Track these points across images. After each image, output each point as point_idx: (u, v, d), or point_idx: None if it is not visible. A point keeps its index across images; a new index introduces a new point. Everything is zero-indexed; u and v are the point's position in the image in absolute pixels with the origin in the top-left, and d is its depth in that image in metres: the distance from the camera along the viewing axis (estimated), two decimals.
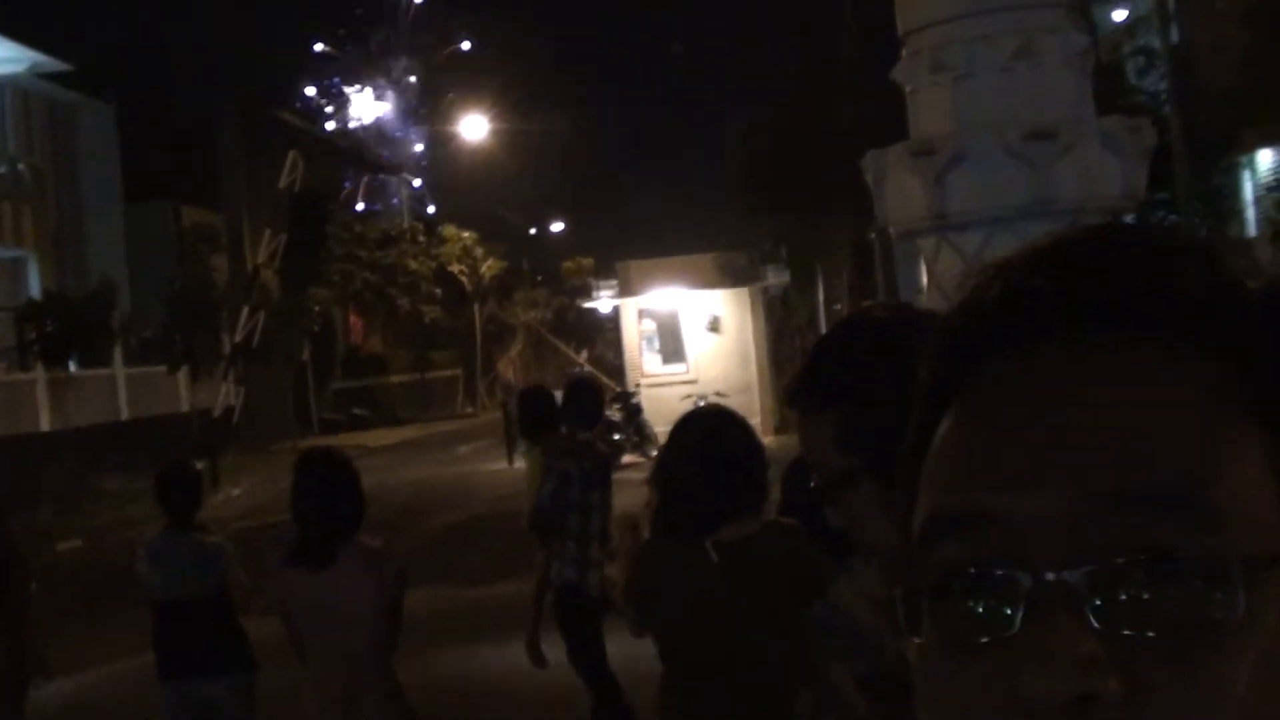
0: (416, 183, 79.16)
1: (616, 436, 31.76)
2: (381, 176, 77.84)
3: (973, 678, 0.91)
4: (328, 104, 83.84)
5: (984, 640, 0.90)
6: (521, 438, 9.26)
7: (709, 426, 5.21)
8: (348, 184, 70.34)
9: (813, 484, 2.22)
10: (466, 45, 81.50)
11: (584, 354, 59.03)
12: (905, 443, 1.03)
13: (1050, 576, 0.88)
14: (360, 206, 72.13)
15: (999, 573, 0.91)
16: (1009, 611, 0.89)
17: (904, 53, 4.89)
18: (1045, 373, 0.95)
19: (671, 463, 5.07)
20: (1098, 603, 0.87)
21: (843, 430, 2.10)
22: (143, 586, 8.27)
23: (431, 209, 78.27)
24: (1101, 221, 1.08)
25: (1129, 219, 5.64)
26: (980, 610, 0.91)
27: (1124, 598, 0.87)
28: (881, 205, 4.82)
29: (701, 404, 29.13)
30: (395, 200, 74.05)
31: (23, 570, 8.07)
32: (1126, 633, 0.87)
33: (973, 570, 0.93)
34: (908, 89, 4.87)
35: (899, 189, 4.73)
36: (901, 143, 4.71)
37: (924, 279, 5.00)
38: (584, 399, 10.07)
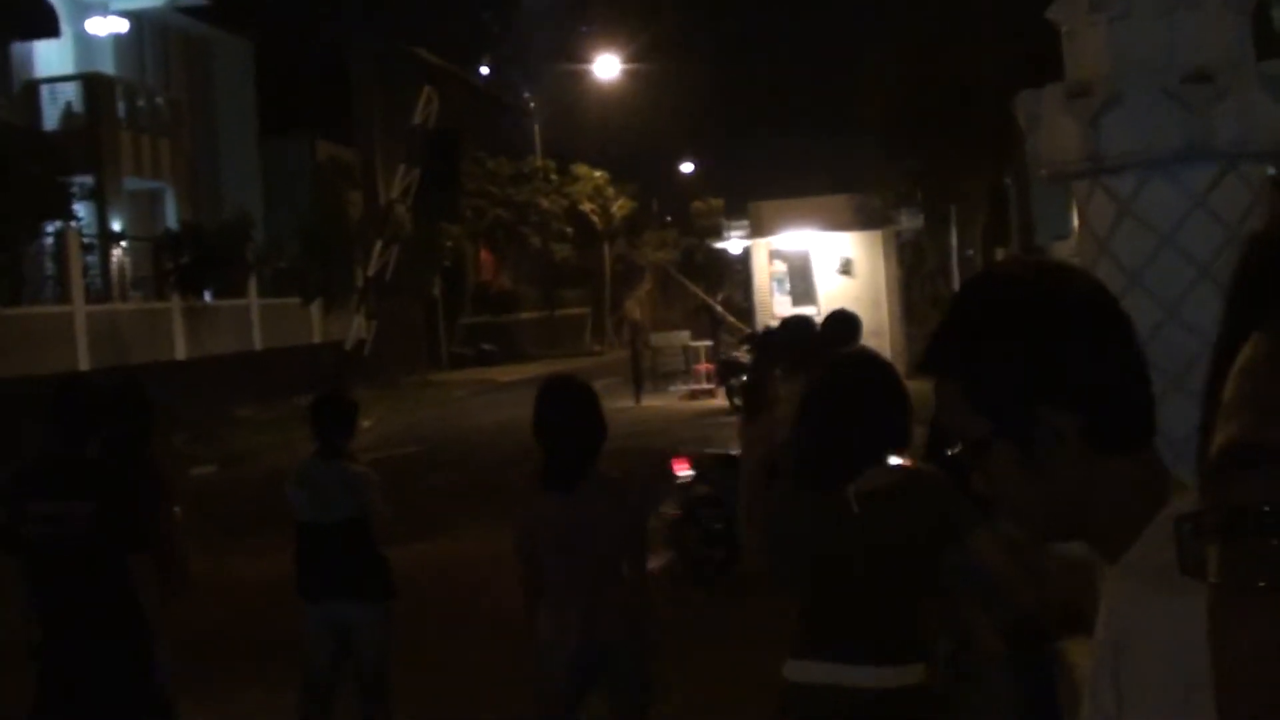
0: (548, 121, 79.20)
1: (745, 378, 31.72)
2: (516, 114, 78.06)
3: (1261, 627, 0.84)
4: (467, 41, 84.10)
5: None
6: (783, 369, 8.98)
7: (854, 371, 5.17)
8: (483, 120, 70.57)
9: (950, 451, 2.22)
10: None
11: (720, 295, 58.96)
12: (1212, 356, 0.97)
13: None
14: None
15: None
16: None
17: None
18: None
19: (814, 407, 5.02)
20: None
21: (972, 395, 2.08)
22: (290, 507, 8.41)
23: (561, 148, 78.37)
24: None
25: None
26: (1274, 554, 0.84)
27: None
28: (1034, 146, 4.74)
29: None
30: (528, 138, 74.14)
31: (170, 494, 8.20)
32: None
33: (1267, 509, 0.87)
34: (1063, 28, 4.79)
35: (1053, 130, 4.66)
36: (1057, 83, 4.63)
37: (1075, 222, 4.92)
38: (844, 330, 9.90)
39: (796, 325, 10.07)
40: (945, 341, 2.15)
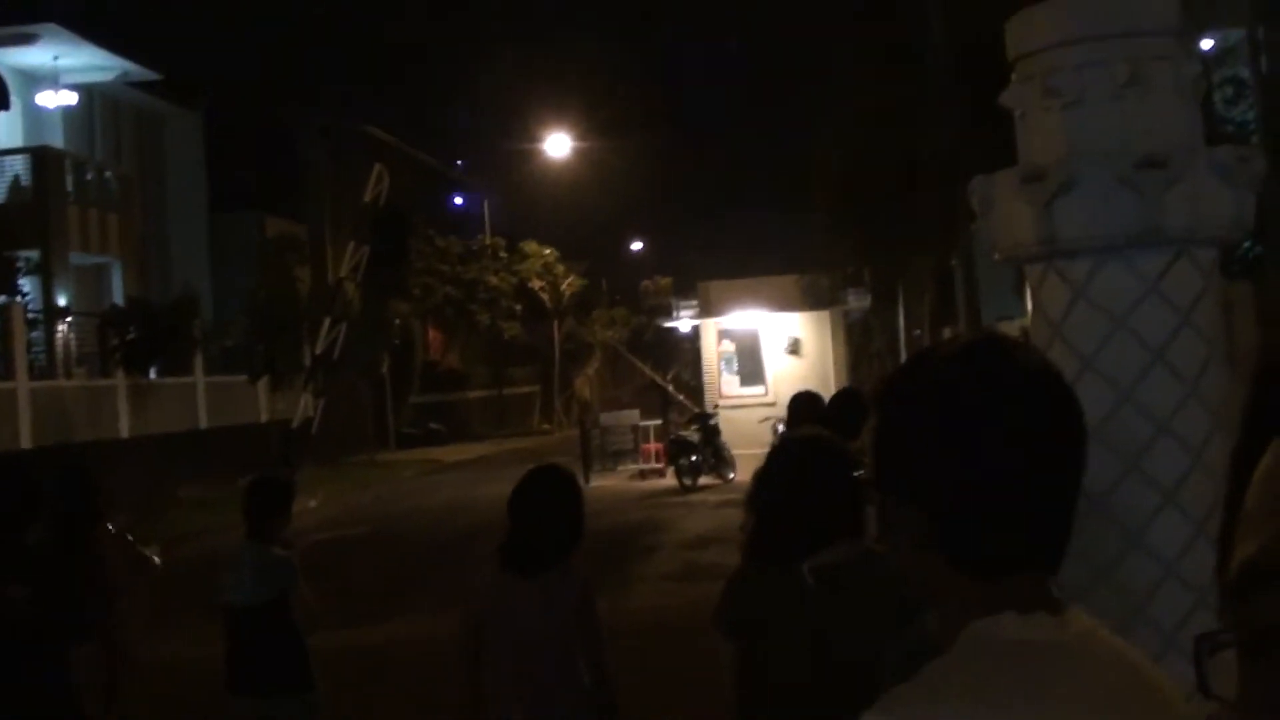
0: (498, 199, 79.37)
1: (694, 458, 31.71)
2: (464, 192, 78.18)
3: None
4: (413, 119, 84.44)
5: None
6: None
7: (808, 451, 5.16)
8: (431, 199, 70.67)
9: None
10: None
11: (669, 374, 59.01)
12: (1230, 463, 0.95)
13: None
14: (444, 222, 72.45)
15: None
16: None
17: (1014, 77, 4.85)
18: None
19: (768, 487, 5.02)
20: None
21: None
22: (216, 590, 8.37)
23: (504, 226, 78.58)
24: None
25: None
26: None
27: None
28: (988, 230, 4.77)
29: (780, 427, 29.05)
30: (477, 215, 74.24)
31: (116, 582, 8.12)
32: None
33: None
34: (1017, 114, 4.83)
35: (1007, 214, 4.69)
36: (1011, 168, 4.67)
37: (1027, 303, 4.94)
38: (850, 408, 9.93)
39: (805, 402, 10.14)
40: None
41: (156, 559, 8.30)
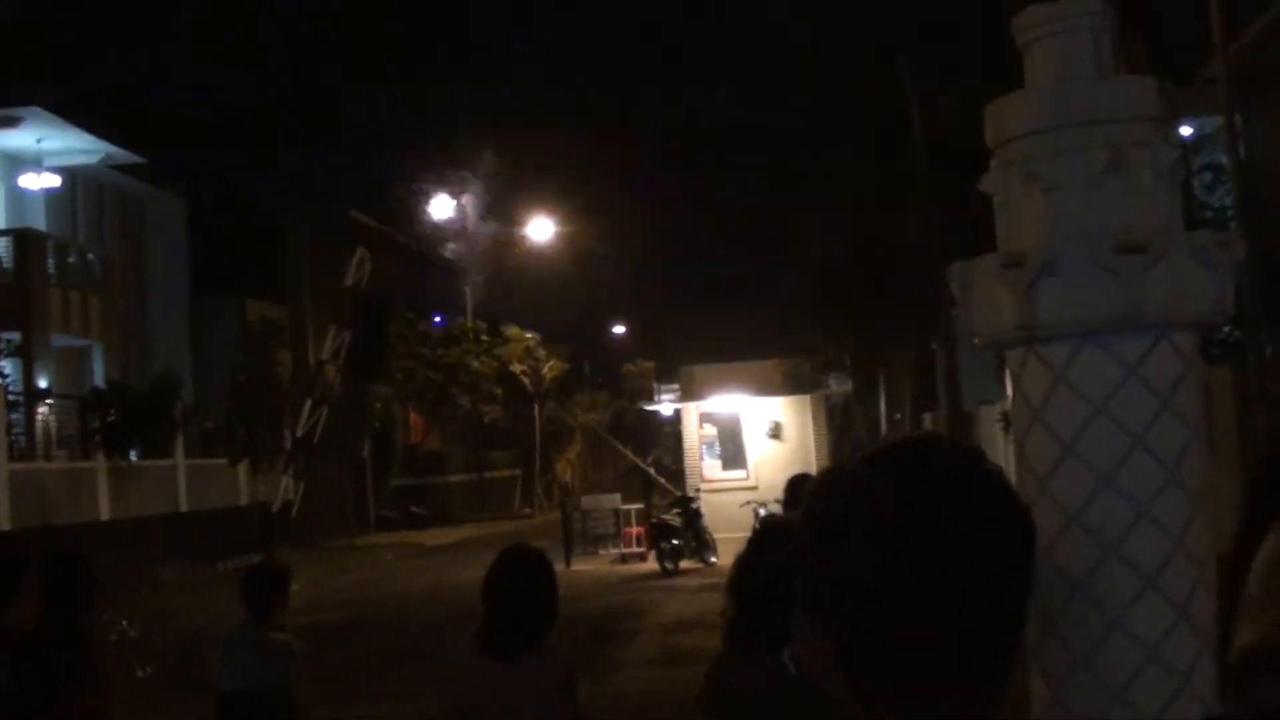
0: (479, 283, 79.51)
1: (675, 541, 31.63)
2: (446, 276, 78.35)
3: None
4: (397, 204, 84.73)
5: None
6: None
7: (788, 536, 5.14)
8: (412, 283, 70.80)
9: None
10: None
11: (650, 458, 58.97)
12: (1232, 546, 0.95)
13: None
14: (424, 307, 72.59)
15: None
16: None
17: (993, 163, 4.87)
18: None
19: (749, 571, 5.00)
20: None
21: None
22: (211, 676, 8.28)
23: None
24: None
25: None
26: None
27: None
28: (968, 316, 4.77)
29: (762, 511, 28.95)
30: (458, 299, 74.35)
31: (100, 670, 8.03)
32: None
33: None
34: (996, 199, 4.85)
35: (986, 300, 4.70)
36: (990, 254, 4.68)
37: (1007, 387, 4.95)
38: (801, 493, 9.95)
39: (802, 485, 10.13)
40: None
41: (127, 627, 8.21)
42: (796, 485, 10.18)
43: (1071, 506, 4.44)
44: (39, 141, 39.59)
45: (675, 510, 33.06)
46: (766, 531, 5.26)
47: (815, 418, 40.54)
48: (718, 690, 5.08)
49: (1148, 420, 4.43)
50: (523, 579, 6.47)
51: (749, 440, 40.07)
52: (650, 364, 75.27)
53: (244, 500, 42.14)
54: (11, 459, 31.90)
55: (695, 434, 40.76)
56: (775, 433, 39.96)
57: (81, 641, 7.71)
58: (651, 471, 45.52)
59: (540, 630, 6.40)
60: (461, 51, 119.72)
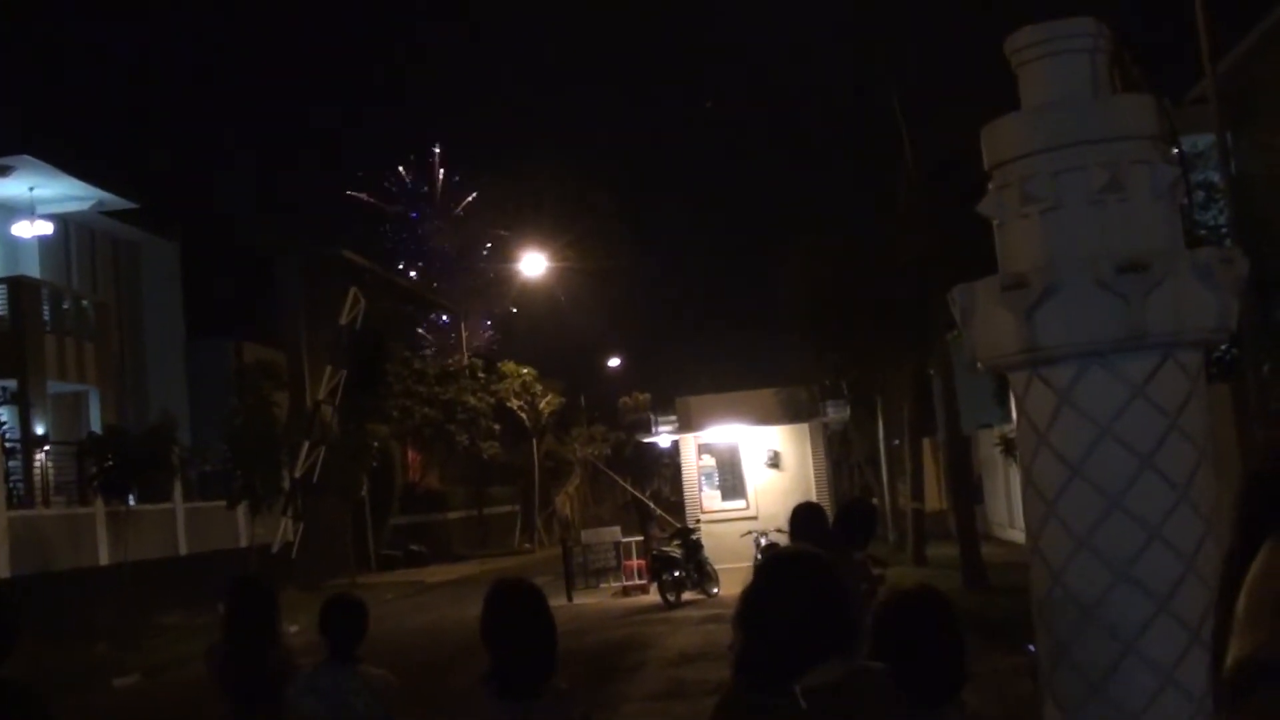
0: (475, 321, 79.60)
1: (677, 573, 31.54)
2: (442, 314, 78.43)
3: None
4: (390, 243, 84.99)
5: None
6: None
7: (798, 567, 5.09)
8: (408, 321, 70.91)
9: None
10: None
11: (649, 490, 58.86)
12: (1223, 565, 0.93)
13: None
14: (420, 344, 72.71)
15: None
16: None
17: (991, 185, 4.83)
18: None
19: (757, 604, 4.94)
20: None
21: None
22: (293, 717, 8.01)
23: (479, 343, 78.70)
24: None
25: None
26: None
27: None
28: (970, 339, 4.73)
29: (763, 541, 28.88)
30: (454, 337, 74.38)
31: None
32: None
33: None
34: (995, 222, 4.80)
35: (989, 323, 4.65)
36: (991, 276, 4.64)
37: (1014, 413, 4.89)
38: (858, 518, 9.90)
39: (810, 515, 10.09)
40: None
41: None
42: (801, 515, 10.13)
43: (1081, 530, 4.40)
44: (31, 190, 39.62)
45: (676, 542, 32.97)
46: (773, 563, 5.20)
47: (814, 446, 40.48)
48: None
49: (1156, 440, 4.39)
50: (530, 616, 6.38)
51: (748, 470, 40.02)
52: (646, 396, 75.10)
53: (243, 542, 42.04)
54: (10, 506, 31.86)
55: (694, 465, 40.70)
56: (774, 462, 39.91)
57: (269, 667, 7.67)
58: (649, 504, 45.46)
59: (551, 667, 6.32)
60: (451, 86, 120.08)
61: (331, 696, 7.82)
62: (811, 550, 5.28)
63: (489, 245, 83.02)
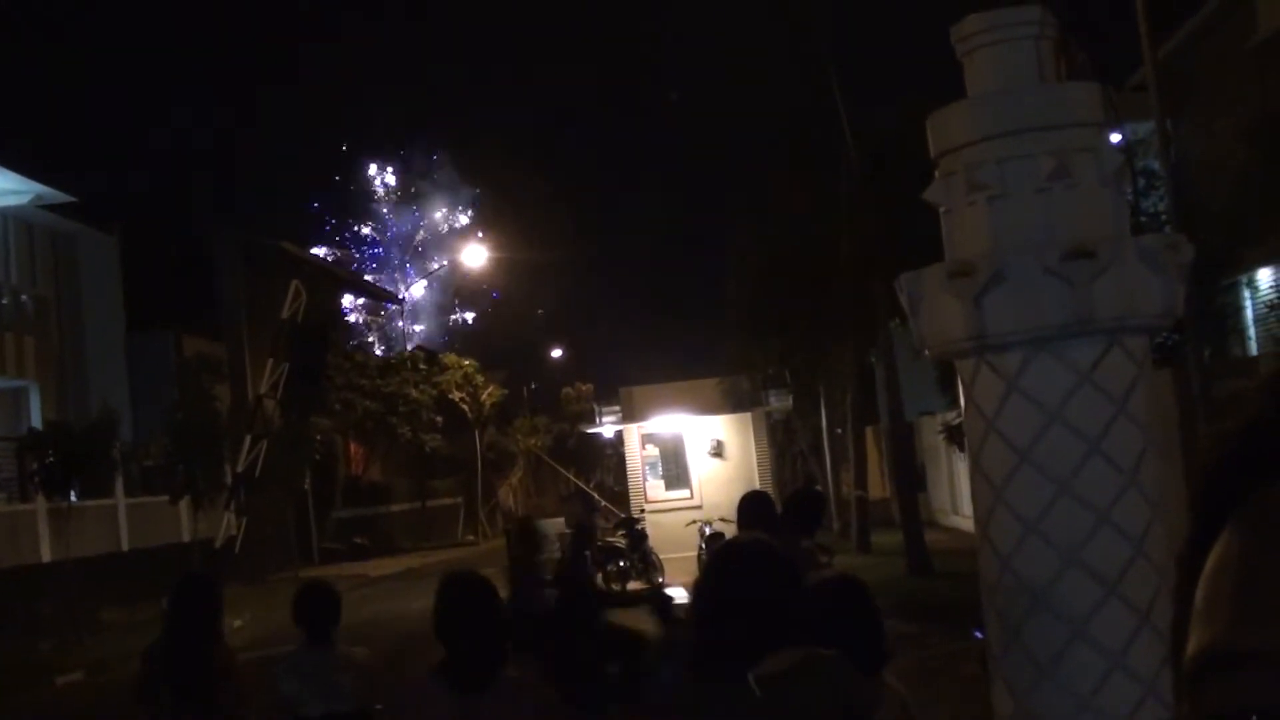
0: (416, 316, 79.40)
1: (621, 563, 31.53)
2: (383, 305, 78.17)
3: None
4: (330, 235, 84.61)
5: None
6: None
7: (745, 557, 5.10)
8: (349, 313, 70.61)
9: None
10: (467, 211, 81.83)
11: (592, 480, 58.81)
12: (1182, 555, 0.94)
13: None
14: (361, 335, 72.40)
15: None
16: None
17: (937, 173, 4.84)
18: None
19: (710, 594, 4.95)
20: None
21: None
22: (286, 704, 8.04)
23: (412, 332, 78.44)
24: None
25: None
26: None
27: None
28: (918, 327, 4.74)
29: (708, 530, 28.88)
30: (396, 328, 74.16)
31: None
32: None
33: (1254, 717, 0.81)
34: (942, 210, 4.81)
35: (936, 310, 4.67)
36: (938, 264, 4.65)
37: (961, 400, 4.90)
38: (806, 507, 9.93)
39: (754, 501, 10.09)
40: None
41: None
42: (749, 504, 10.13)
43: (1030, 515, 4.42)
44: None
45: (620, 532, 32.97)
46: (728, 553, 5.20)
47: (757, 435, 40.57)
48: (684, 715, 5.02)
49: (1103, 426, 4.41)
50: (482, 608, 6.37)
51: (692, 460, 40.08)
52: (589, 386, 75.06)
53: (186, 537, 41.81)
54: None
55: (638, 455, 40.72)
56: (718, 451, 39.99)
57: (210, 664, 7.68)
58: (593, 494, 45.50)
59: (502, 657, 6.32)
60: (388, 73, 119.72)
61: (316, 678, 7.96)
62: (765, 540, 5.29)
63: (428, 237, 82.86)
